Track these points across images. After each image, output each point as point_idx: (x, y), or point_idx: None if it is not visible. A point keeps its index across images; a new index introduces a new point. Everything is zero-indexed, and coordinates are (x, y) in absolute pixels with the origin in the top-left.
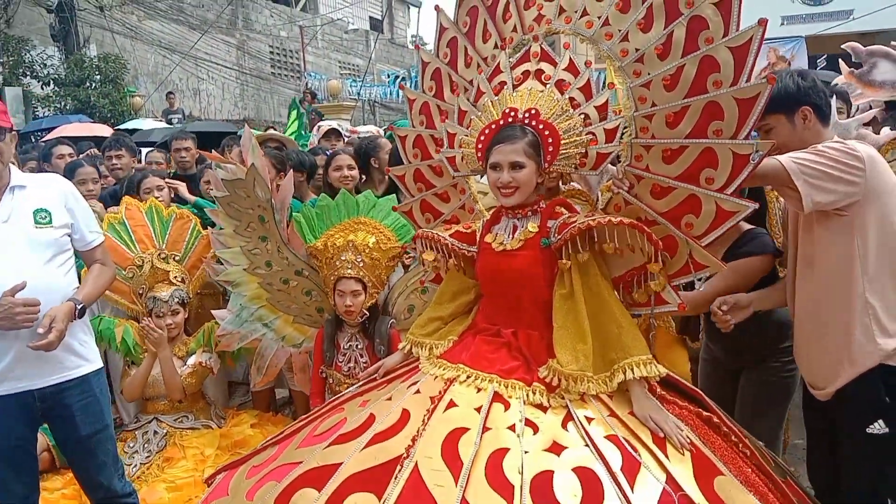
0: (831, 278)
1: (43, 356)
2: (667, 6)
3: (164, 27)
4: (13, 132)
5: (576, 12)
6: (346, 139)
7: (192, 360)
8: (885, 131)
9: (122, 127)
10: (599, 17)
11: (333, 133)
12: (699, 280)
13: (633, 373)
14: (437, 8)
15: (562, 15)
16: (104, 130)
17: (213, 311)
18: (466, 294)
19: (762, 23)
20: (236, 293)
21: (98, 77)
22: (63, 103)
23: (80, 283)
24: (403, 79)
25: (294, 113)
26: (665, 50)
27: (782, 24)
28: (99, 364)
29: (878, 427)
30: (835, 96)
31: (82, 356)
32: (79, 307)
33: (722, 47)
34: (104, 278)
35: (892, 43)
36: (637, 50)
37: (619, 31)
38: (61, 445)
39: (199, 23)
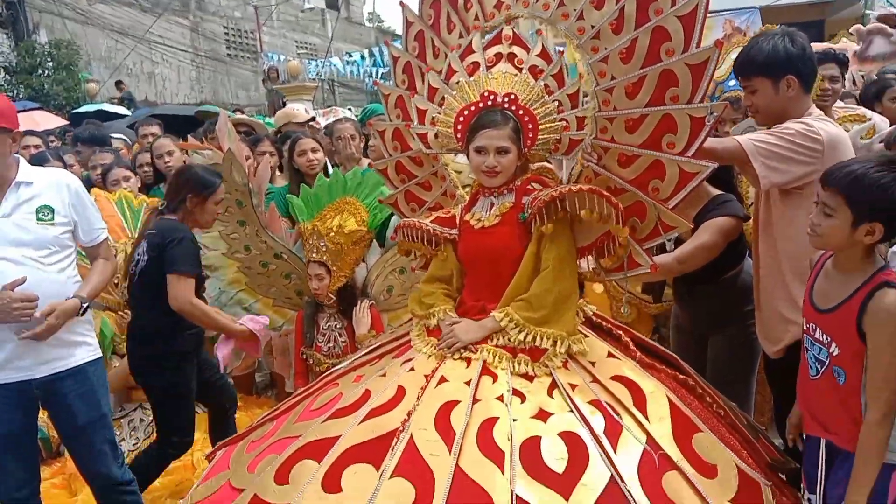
0: (784, 245)
1: (40, 347)
2: None
3: (116, 10)
4: (19, 131)
5: None
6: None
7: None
8: None
9: (84, 110)
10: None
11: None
12: (669, 241)
13: (546, 342)
14: (401, 3)
15: (519, 0)
16: (55, 121)
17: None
18: (449, 280)
19: None
20: (215, 277)
21: (50, 64)
22: (15, 91)
23: (78, 278)
24: (363, 57)
25: None
26: (619, 24)
27: None
28: (97, 354)
29: None
30: (835, 62)
31: (79, 346)
32: (84, 305)
33: (671, 17)
34: (107, 273)
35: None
36: (593, 27)
37: (575, 10)
38: (60, 433)
39: (152, 5)
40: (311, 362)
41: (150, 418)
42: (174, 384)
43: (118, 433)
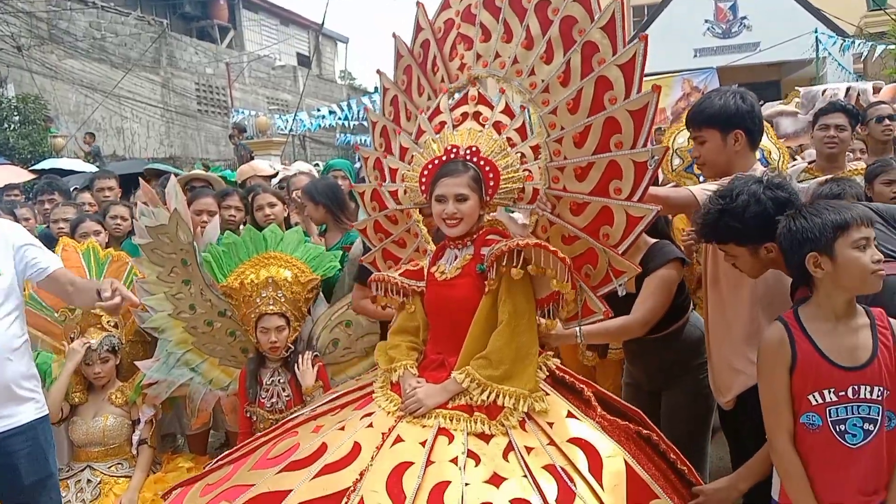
0: (731, 298)
1: None
2: (563, 37)
3: (86, 66)
4: None
5: (490, 56)
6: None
7: (144, 418)
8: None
9: (40, 167)
10: (509, 58)
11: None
12: (620, 286)
13: (508, 401)
14: (378, 72)
15: (479, 60)
16: (26, 175)
17: (135, 363)
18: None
19: (643, 38)
20: (163, 339)
21: (17, 118)
22: None
23: (24, 332)
24: (331, 112)
25: None
26: (566, 77)
27: (695, 56)
28: (45, 411)
29: None
30: (842, 113)
31: (27, 402)
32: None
33: (612, 66)
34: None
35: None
36: (543, 81)
37: (527, 66)
38: (4, 495)
39: (122, 61)
40: (255, 419)
41: (98, 479)
42: None
43: (64, 494)
